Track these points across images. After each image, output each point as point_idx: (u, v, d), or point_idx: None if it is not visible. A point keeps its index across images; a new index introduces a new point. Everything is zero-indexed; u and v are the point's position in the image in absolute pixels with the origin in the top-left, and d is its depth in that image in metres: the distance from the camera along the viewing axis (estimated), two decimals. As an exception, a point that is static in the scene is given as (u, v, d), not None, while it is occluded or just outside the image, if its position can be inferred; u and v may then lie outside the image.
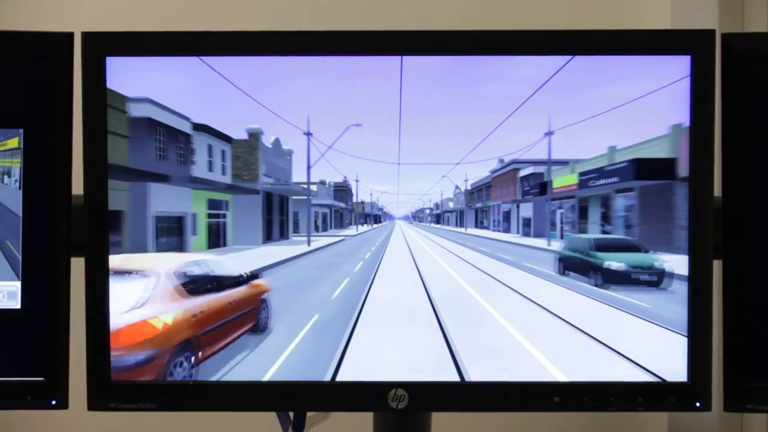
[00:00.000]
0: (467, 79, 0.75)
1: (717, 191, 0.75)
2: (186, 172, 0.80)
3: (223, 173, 0.82)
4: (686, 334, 0.75)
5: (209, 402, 0.76)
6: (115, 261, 0.75)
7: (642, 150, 0.77)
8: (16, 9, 1.24)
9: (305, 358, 0.78)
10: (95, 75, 0.74)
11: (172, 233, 0.80)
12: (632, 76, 0.74)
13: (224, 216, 0.83)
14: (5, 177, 0.76)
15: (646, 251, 0.78)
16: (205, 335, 0.78)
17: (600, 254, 0.81)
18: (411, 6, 1.21)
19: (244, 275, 0.81)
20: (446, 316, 0.80)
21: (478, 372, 0.76)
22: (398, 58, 0.75)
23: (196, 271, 0.79)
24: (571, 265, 0.82)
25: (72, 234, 0.75)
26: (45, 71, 0.75)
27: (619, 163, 0.80)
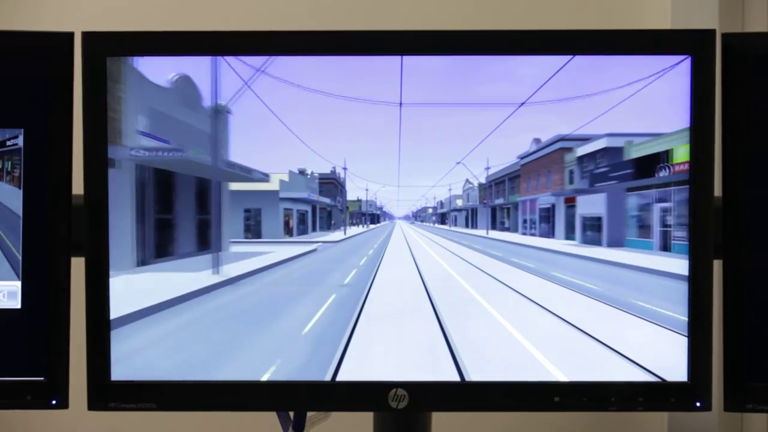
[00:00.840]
0: (470, 79, 0.75)
1: (717, 191, 0.75)
2: None
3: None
4: (686, 334, 0.75)
5: (209, 402, 0.76)
6: None
7: None
8: (16, 9, 1.24)
9: None
10: (95, 75, 0.74)
11: None
12: (632, 76, 0.74)
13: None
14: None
15: None
16: None
17: None
18: (411, 6, 1.21)
19: None
20: None
21: None
22: (398, 57, 0.75)
23: None
24: None
25: (72, 234, 0.75)
26: (45, 71, 0.75)
27: None
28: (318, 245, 0.74)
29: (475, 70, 0.75)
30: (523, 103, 0.74)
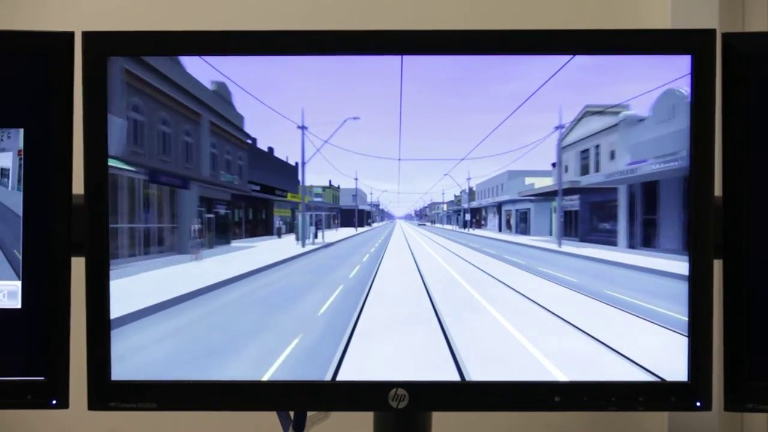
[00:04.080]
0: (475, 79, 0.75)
1: (717, 191, 0.75)
2: None
3: None
4: (687, 334, 0.75)
5: (209, 402, 0.76)
6: None
7: None
8: (16, 9, 1.24)
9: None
10: (96, 75, 0.74)
11: None
12: (633, 76, 0.74)
13: None
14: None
15: None
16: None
17: None
18: (411, 6, 1.21)
19: None
20: None
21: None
22: (398, 57, 0.75)
23: None
24: None
25: (72, 234, 0.75)
26: (45, 71, 0.75)
27: None
28: None
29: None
30: (527, 99, 0.74)
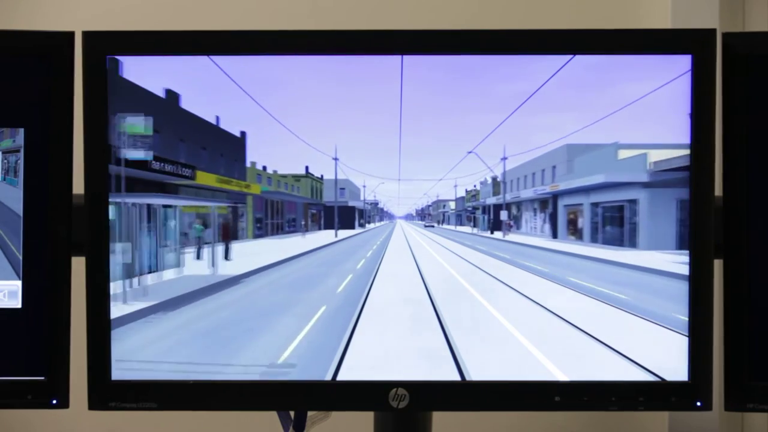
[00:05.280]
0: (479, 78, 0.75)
1: (717, 191, 0.75)
2: None
3: None
4: (687, 334, 0.75)
5: (209, 402, 0.76)
6: None
7: None
8: (15, 8, 1.24)
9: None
10: (96, 75, 0.74)
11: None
12: (633, 76, 0.74)
13: None
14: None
15: None
16: None
17: None
18: (411, 6, 1.21)
19: None
20: None
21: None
22: (398, 57, 0.75)
23: None
24: None
25: (72, 234, 0.75)
26: (45, 71, 0.75)
27: None
28: None
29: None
30: (524, 102, 0.74)
